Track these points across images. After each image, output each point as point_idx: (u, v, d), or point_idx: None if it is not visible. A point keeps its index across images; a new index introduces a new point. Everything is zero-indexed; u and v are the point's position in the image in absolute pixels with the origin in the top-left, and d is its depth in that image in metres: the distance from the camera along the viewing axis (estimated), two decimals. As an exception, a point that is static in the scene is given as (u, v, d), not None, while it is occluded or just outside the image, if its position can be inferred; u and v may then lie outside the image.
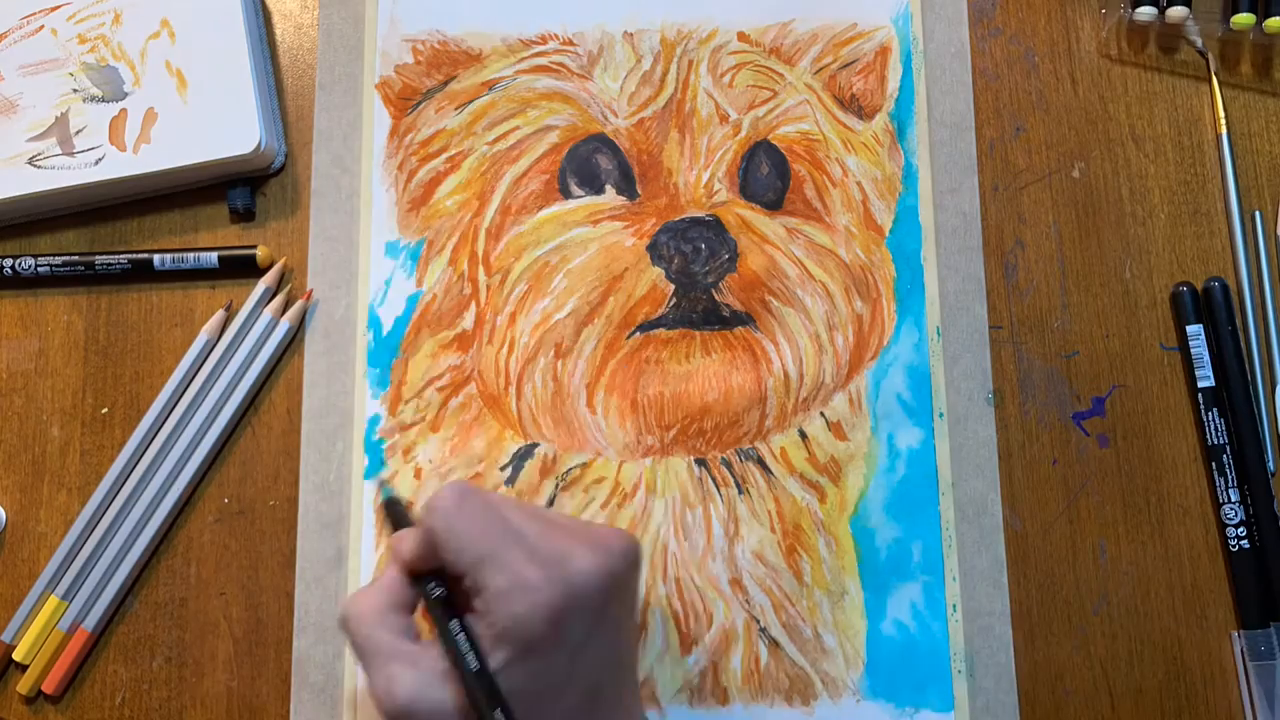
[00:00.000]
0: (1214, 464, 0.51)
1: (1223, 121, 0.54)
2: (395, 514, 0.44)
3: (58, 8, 0.55)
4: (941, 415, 0.51)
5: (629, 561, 0.40)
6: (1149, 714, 0.50)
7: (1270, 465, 0.50)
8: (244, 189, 0.54)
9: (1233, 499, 0.50)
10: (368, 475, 0.51)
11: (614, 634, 0.40)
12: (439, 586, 0.40)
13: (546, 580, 0.37)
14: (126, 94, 0.53)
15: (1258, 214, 0.53)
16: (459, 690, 0.37)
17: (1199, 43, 0.55)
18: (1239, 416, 0.51)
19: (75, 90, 0.54)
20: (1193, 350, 0.51)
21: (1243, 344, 0.52)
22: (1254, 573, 0.50)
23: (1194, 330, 0.52)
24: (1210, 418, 0.51)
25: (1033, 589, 0.50)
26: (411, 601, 0.40)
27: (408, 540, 0.40)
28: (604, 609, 0.39)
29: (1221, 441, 0.51)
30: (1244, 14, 0.53)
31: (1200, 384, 0.51)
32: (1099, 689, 0.50)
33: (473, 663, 0.37)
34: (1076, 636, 0.50)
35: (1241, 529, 0.50)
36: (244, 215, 0.54)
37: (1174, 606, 0.50)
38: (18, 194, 0.52)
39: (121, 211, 0.55)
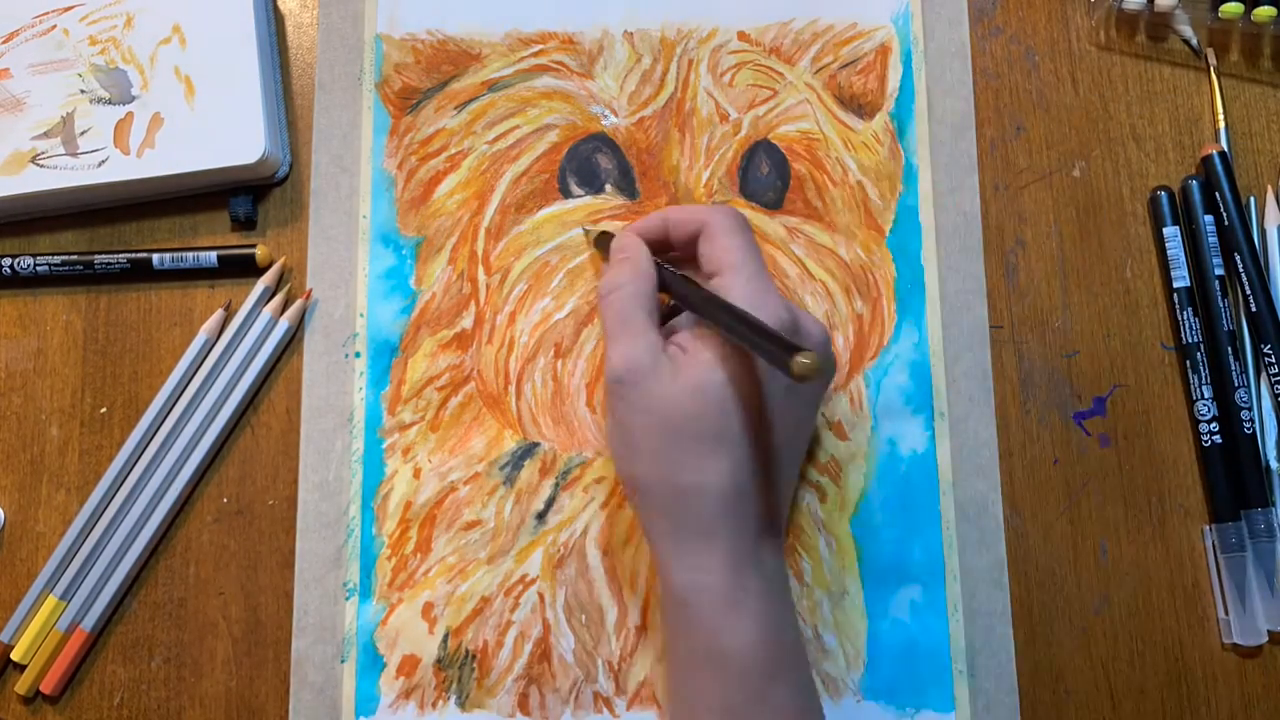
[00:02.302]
0: (1188, 362, 0.52)
1: (1221, 117, 0.54)
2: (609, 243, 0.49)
3: (70, 8, 0.55)
4: (942, 415, 0.51)
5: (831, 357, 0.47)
6: (1150, 715, 0.49)
7: (1238, 367, 0.51)
8: (246, 197, 0.54)
9: (1205, 395, 0.51)
10: (366, 477, 0.51)
11: (812, 408, 0.45)
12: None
13: (788, 310, 0.42)
14: (134, 98, 0.53)
15: (1251, 199, 0.53)
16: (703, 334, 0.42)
17: (1186, 32, 0.55)
18: (1211, 314, 0.52)
19: (83, 91, 0.54)
20: (1169, 251, 0.52)
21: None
22: (1224, 466, 0.51)
23: (1170, 232, 0.52)
24: (1185, 317, 0.52)
25: (1033, 589, 0.50)
26: (655, 290, 0.45)
27: (678, 220, 0.46)
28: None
29: (1196, 340, 0.51)
30: (1233, 3, 0.53)
31: (1175, 284, 0.52)
32: (1100, 689, 0.50)
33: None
34: (1077, 637, 0.50)
35: (1214, 424, 0.51)
36: (245, 224, 0.54)
37: (1175, 607, 0.50)
38: (19, 192, 0.52)
39: (121, 213, 0.55)
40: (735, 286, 0.42)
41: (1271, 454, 0.51)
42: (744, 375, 0.41)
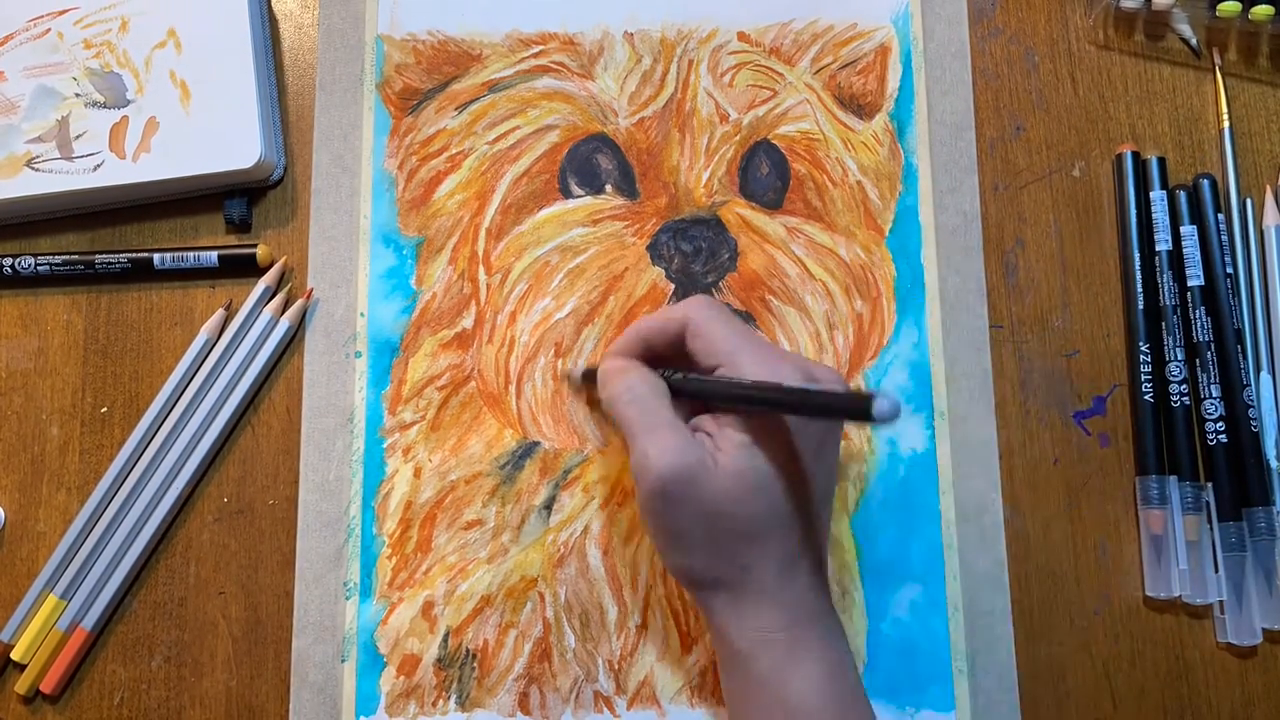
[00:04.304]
0: (1198, 360, 0.51)
1: (1225, 116, 0.54)
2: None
3: (65, 12, 0.55)
4: (942, 415, 0.51)
5: None
6: (1150, 714, 0.49)
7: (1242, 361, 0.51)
8: (240, 200, 0.54)
9: (1214, 394, 0.51)
10: (367, 477, 0.51)
11: (836, 451, 0.44)
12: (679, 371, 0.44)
13: (801, 366, 0.41)
14: (129, 102, 0.53)
15: (1248, 201, 0.53)
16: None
17: (1184, 31, 0.55)
18: (1220, 314, 0.52)
19: (78, 95, 0.54)
20: (1185, 250, 0.52)
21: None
22: (1228, 465, 0.50)
23: (1188, 230, 0.52)
24: (1198, 315, 0.51)
25: (1033, 588, 0.50)
26: (668, 391, 0.44)
27: (655, 328, 0.44)
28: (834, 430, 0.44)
29: (1207, 339, 0.51)
30: (1230, 2, 0.53)
31: (1190, 283, 0.52)
32: (1100, 689, 0.50)
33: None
34: (1078, 636, 0.50)
35: (1220, 423, 0.51)
36: (239, 226, 0.54)
37: (1175, 606, 0.50)
38: (14, 196, 0.52)
39: (122, 213, 0.55)
40: (745, 366, 0.41)
41: (1271, 453, 0.51)
42: (779, 447, 0.41)
